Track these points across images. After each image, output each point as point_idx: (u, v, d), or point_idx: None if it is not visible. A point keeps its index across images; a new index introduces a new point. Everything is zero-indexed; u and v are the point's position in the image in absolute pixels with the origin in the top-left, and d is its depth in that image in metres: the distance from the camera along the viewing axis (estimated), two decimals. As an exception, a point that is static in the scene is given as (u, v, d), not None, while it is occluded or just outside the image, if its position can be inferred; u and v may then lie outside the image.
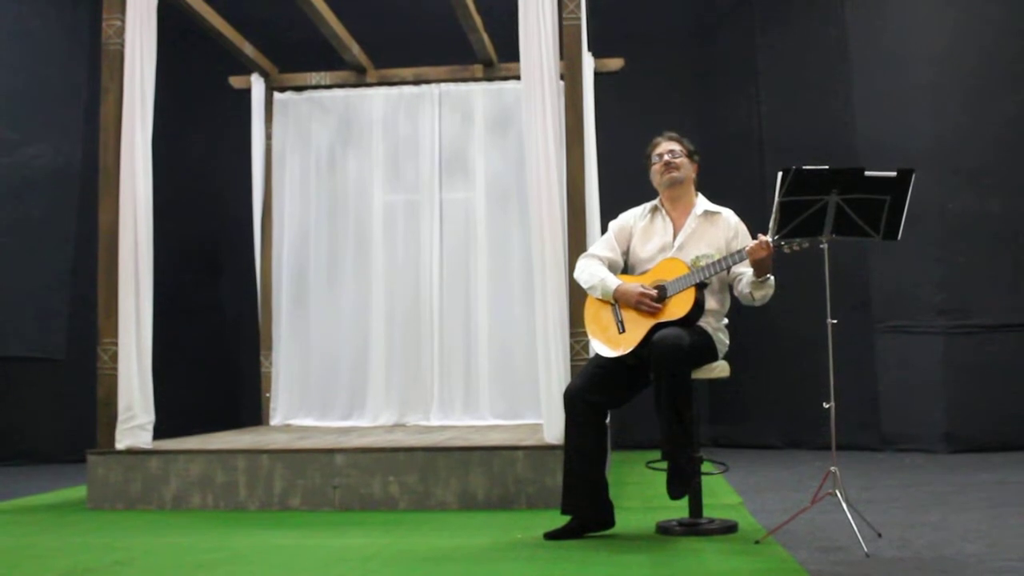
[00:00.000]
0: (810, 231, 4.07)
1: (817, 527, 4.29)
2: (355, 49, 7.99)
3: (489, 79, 8.26)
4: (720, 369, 4.41)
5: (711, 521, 4.40)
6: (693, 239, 4.49)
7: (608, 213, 5.03)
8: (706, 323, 4.38)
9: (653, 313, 4.28)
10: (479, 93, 8.34)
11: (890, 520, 4.52)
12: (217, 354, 9.41)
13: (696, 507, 4.41)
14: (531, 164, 5.56)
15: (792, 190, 3.99)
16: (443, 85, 8.37)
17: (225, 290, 9.52)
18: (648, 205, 4.65)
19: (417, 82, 8.38)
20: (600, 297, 4.44)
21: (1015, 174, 7.85)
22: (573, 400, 4.32)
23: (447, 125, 8.37)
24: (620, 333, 4.34)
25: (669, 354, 4.10)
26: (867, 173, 4.00)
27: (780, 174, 3.99)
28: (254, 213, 8.29)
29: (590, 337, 4.49)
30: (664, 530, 4.39)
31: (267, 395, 8.27)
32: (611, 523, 4.38)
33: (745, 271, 4.36)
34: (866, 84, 8.19)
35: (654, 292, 4.30)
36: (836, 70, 8.36)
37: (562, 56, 5.73)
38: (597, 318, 4.46)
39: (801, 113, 8.55)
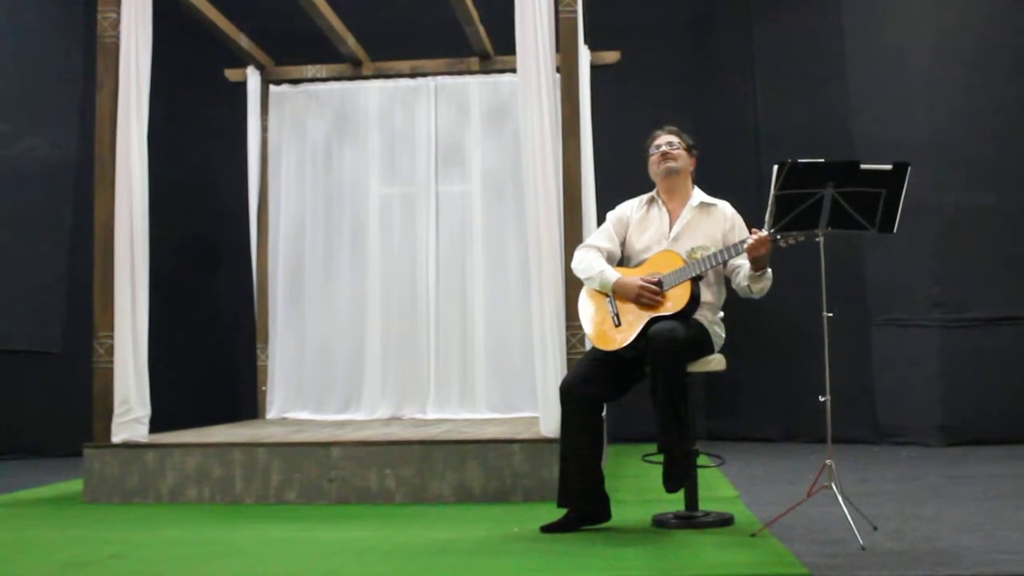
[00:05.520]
0: (806, 224, 4.07)
1: (813, 520, 4.29)
2: (351, 41, 7.98)
3: (485, 72, 8.24)
4: (716, 362, 4.41)
5: (707, 514, 4.40)
6: (689, 230, 4.50)
7: (604, 206, 5.03)
8: (702, 316, 4.38)
9: (654, 306, 4.28)
10: (475, 86, 8.32)
11: (886, 513, 4.53)
12: (213, 347, 9.40)
13: (692, 500, 4.42)
14: (527, 157, 5.56)
15: (788, 183, 3.99)
16: (439, 78, 8.36)
17: (221, 283, 9.50)
18: (645, 196, 4.66)
19: (413, 75, 8.37)
20: (598, 289, 4.44)
21: (1011, 167, 7.86)
22: (569, 393, 4.32)
23: (443, 118, 8.36)
24: (616, 327, 4.34)
25: (665, 347, 4.10)
26: (863, 166, 4.00)
27: (776, 167, 3.99)
28: (250, 206, 8.29)
29: (586, 330, 4.49)
30: (660, 523, 4.39)
31: (263, 388, 8.27)
32: (607, 516, 4.39)
33: (743, 264, 4.36)
34: (862, 77, 8.19)
35: (655, 286, 4.30)
36: (832, 63, 8.36)
37: (558, 49, 5.73)
38: (593, 311, 4.46)
39: (797, 106, 8.55)
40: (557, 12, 5.71)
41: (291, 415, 8.18)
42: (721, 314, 4.53)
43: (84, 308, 6.45)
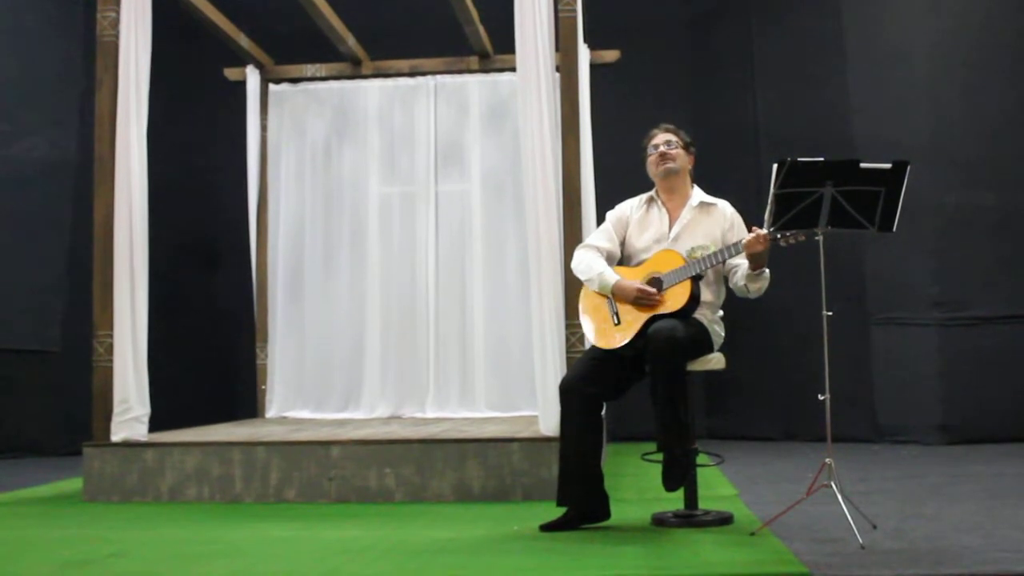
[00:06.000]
0: (806, 223, 4.07)
1: (812, 519, 4.29)
2: (351, 41, 7.98)
3: (485, 71, 8.24)
4: (716, 361, 4.41)
5: (707, 513, 4.41)
6: (689, 230, 4.50)
7: (604, 205, 5.04)
8: (701, 315, 4.38)
9: (652, 306, 4.29)
10: (475, 85, 8.32)
11: (885, 512, 4.53)
12: (213, 346, 9.40)
13: (692, 499, 4.42)
14: (527, 156, 5.56)
15: (787, 182, 3.99)
16: (439, 77, 8.35)
17: (221, 282, 9.50)
18: (644, 196, 4.66)
19: (413, 74, 8.37)
20: (597, 291, 4.44)
21: (1010, 166, 7.86)
22: (569, 392, 4.32)
23: (443, 117, 8.35)
24: (616, 325, 4.34)
25: (665, 346, 4.10)
26: (862, 165, 4.00)
27: (775, 166, 3.99)
28: (250, 205, 8.28)
29: (585, 329, 4.49)
30: (659, 522, 4.39)
31: (263, 387, 8.27)
32: (607, 515, 4.39)
33: (741, 263, 4.37)
34: (862, 76, 8.19)
35: (653, 290, 4.30)
36: (832, 62, 8.36)
37: (558, 48, 5.73)
38: (593, 310, 4.46)
39: (797, 105, 8.55)
40: (557, 11, 5.71)
41: (291, 414, 8.17)
42: (721, 313, 4.53)
43: (84, 307, 6.45)
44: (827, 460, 4.04)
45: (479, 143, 8.27)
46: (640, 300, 4.30)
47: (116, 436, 5.67)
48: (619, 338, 4.32)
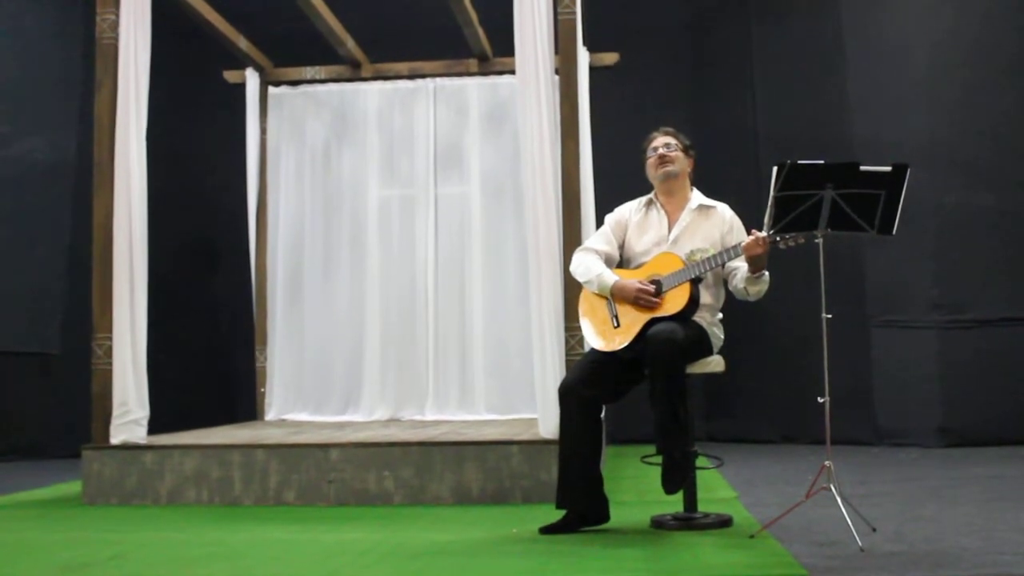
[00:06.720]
0: (805, 225, 4.07)
1: (812, 521, 4.29)
2: (350, 43, 7.98)
3: (484, 73, 8.24)
4: (715, 364, 4.41)
5: (706, 515, 4.40)
6: (688, 233, 4.50)
7: (603, 207, 5.04)
8: (701, 318, 4.38)
9: (651, 308, 4.28)
10: (474, 87, 8.32)
11: (885, 514, 4.52)
12: (212, 349, 9.40)
13: (691, 501, 4.42)
14: (526, 159, 5.56)
15: (787, 184, 3.99)
16: (438, 79, 8.36)
17: (220, 285, 9.50)
18: (643, 199, 4.66)
19: (412, 76, 8.37)
20: (596, 292, 4.44)
21: (1010, 168, 7.86)
22: (568, 394, 4.32)
23: (442, 119, 8.35)
24: (615, 328, 4.34)
25: (664, 349, 4.09)
26: (862, 168, 4.00)
27: (775, 168, 3.99)
28: (249, 207, 8.28)
29: (585, 331, 4.49)
30: (659, 524, 4.39)
31: (262, 390, 8.27)
32: (606, 517, 4.39)
33: (740, 266, 4.37)
34: (862, 78, 8.19)
35: (652, 287, 4.30)
36: (832, 64, 8.36)
37: (557, 51, 5.73)
38: (592, 312, 4.46)
39: (797, 107, 8.55)
40: (556, 13, 5.71)
41: (290, 417, 8.17)
42: (720, 316, 4.53)
43: (83, 309, 6.45)
44: (826, 463, 4.03)
45: (478, 146, 8.27)
46: (640, 299, 4.30)
47: (115, 439, 5.67)
48: (618, 340, 4.31)
